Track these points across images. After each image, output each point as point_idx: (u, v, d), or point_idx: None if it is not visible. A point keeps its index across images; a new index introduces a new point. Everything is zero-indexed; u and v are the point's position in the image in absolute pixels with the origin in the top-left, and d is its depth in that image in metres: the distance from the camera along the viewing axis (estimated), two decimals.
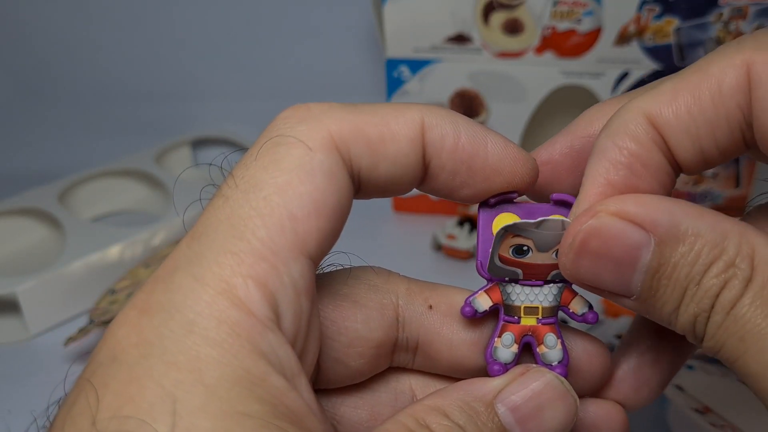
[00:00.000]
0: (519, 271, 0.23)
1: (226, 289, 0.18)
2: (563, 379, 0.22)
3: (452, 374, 0.24)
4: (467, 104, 0.63)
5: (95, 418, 0.16)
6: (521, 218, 0.23)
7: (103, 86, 0.84)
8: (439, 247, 0.62)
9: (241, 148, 0.78)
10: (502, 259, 0.23)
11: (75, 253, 0.57)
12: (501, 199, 0.23)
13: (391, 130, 0.21)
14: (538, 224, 0.22)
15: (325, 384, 0.23)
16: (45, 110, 0.85)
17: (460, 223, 0.62)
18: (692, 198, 0.63)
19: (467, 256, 0.61)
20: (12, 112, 0.85)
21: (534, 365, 0.23)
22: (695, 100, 0.21)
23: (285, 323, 0.19)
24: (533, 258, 0.23)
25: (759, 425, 0.36)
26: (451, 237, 0.61)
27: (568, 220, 0.22)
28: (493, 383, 0.22)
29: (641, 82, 0.59)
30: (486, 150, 0.22)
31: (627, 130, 0.22)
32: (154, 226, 0.61)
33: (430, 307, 0.24)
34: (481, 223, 0.24)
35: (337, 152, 0.20)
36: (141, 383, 0.17)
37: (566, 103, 0.67)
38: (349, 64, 0.80)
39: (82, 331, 0.49)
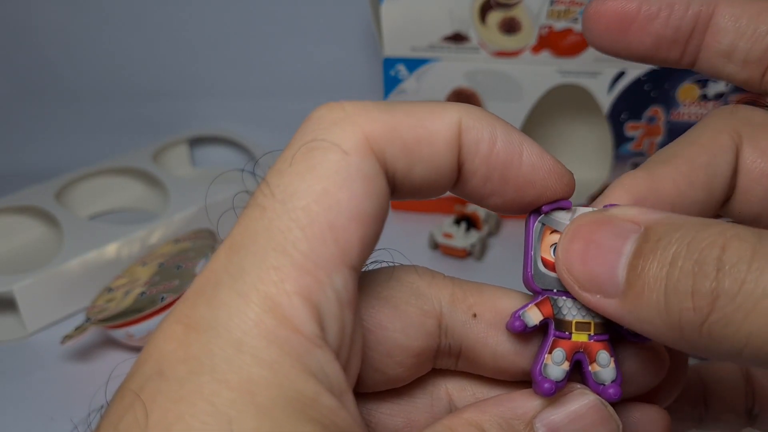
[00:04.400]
0: None
1: (272, 307, 0.17)
2: (607, 403, 0.21)
3: (496, 377, 0.23)
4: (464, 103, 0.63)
5: None
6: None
7: (101, 84, 0.84)
8: (436, 246, 0.62)
9: (239, 146, 0.78)
10: (546, 263, 0.22)
11: (72, 251, 0.57)
12: (554, 207, 0.22)
13: (428, 132, 0.20)
14: (572, 215, 0.22)
15: (363, 389, 0.23)
16: (42, 108, 0.84)
17: (457, 222, 0.62)
18: None
19: (464, 254, 0.61)
20: (9, 110, 0.85)
21: (578, 385, 0.22)
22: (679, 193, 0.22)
23: (330, 337, 0.18)
24: None
25: None
26: (447, 235, 0.61)
27: (600, 209, 0.22)
28: (535, 401, 0.21)
29: (637, 82, 0.59)
30: (521, 159, 0.21)
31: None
32: (151, 224, 0.61)
33: (474, 315, 0.23)
34: (529, 231, 0.22)
35: (373, 155, 0.19)
36: (191, 401, 0.16)
37: (563, 102, 0.67)
38: (346, 63, 0.80)
39: (79, 329, 0.49)
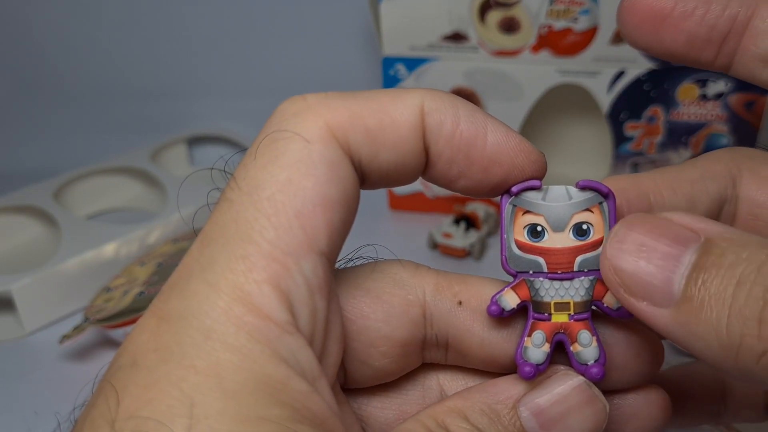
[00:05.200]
0: (541, 260, 0.22)
1: (241, 295, 0.18)
2: (591, 383, 0.21)
3: (487, 369, 0.23)
4: None
5: (114, 419, 0.16)
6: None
7: (99, 84, 0.84)
8: (435, 246, 0.62)
9: (237, 146, 0.78)
10: (519, 245, 0.22)
11: (70, 251, 0.56)
12: (523, 188, 0.22)
13: (391, 117, 0.20)
14: (544, 194, 0.22)
15: (354, 384, 0.23)
16: (40, 108, 0.84)
17: (456, 222, 0.62)
18: None
19: (463, 254, 0.61)
20: (7, 110, 0.84)
21: (562, 367, 0.22)
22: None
23: (301, 323, 0.19)
24: (551, 241, 0.22)
25: None
26: (447, 235, 0.61)
27: (572, 188, 0.22)
28: (519, 386, 0.21)
29: (637, 81, 0.59)
30: (485, 139, 0.21)
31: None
32: (149, 224, 0.61)
33: (460, 303, 0.22)
34: (503, 214, 0.22)
35: (336, 142, 0.20)
36: (160, 387, 0.17)
37: (562, 102, 0.67)
38: (345, 62, 0.80)
39: (77, 329, 0.49)
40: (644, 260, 0.19)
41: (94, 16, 0.82)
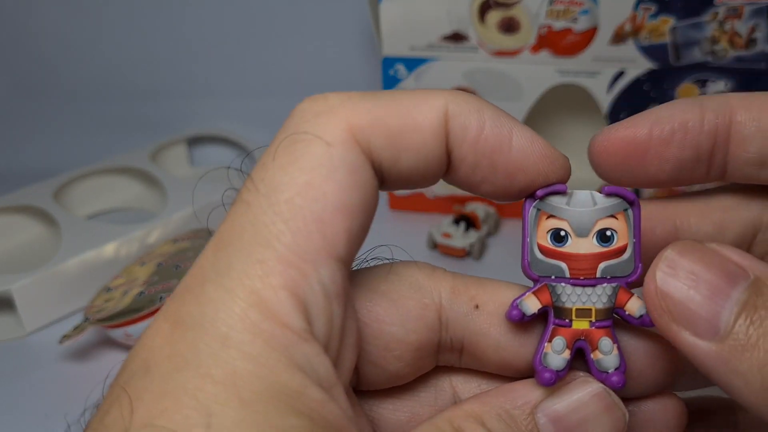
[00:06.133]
0: (563, 265, 0.21)
1: (257, 301, 0.17)
2: (611, 391, 0.21)
3: (501, 373, 0.23)
4: None
5: (128, 427, 0.16)
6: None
7: (99, 84, 0.84)
8: (434, 246, 0.62)
9: (237, 146, 0.78)
10: (542, 249, 0.22)
11: (70, 251, 0.56)
12: (548, 192, 0.22)
13: (414, 120, 0.20)
14: (569, 199, 0.21)
15: (366, 386, 0.22)
16: (40, 108, 0.84)
17: (456, 222, 0.62)
18: None
19: (463, 254, 0.61)
20: (8, 110, 0.84)
21: (581, 373, 0.21)
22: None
23: (317, 330, 0.18)
24: (575, 246, 0.21)
25: None
26: (446, 235, 0.61)
27: (597, 193, 0.21)
28: (537, 391, 0.21)
29: (637, 81, 0.59)
30: (510, 145, 0.21)
31: (702, 101, 0.22)
32: (149, 224, 0.61)
33: (477, 306, 0.22)
34: (526, 217, 0.22)
35: (357, 146, 0.19)
36: (175, 396, 0.16)
37: (562, 102, 0.67)
38: (345, 62, 0.80)
39: (78, 329, 0.49)
40: (693, 289, 0.19)
41: (94, 16, 0.82)
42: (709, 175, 0.23)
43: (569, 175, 0.22)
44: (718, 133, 0.22)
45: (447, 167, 0.21)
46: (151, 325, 0.18)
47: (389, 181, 0.21)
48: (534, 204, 0.22)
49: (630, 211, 0.22)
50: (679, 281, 0.19)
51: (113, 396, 0.17)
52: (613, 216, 0.22)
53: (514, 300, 0.21)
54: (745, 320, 0.18)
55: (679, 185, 0.23)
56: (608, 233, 0.22)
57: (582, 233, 0.22)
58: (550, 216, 0.22)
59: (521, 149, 0.21)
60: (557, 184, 0.22)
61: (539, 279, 0.22)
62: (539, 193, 0.22)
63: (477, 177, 0.21)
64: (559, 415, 0.20)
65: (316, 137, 0.19)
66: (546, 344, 0.21)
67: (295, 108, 0.20)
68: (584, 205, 0.22)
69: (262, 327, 0.17)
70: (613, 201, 0.22)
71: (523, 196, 0.22)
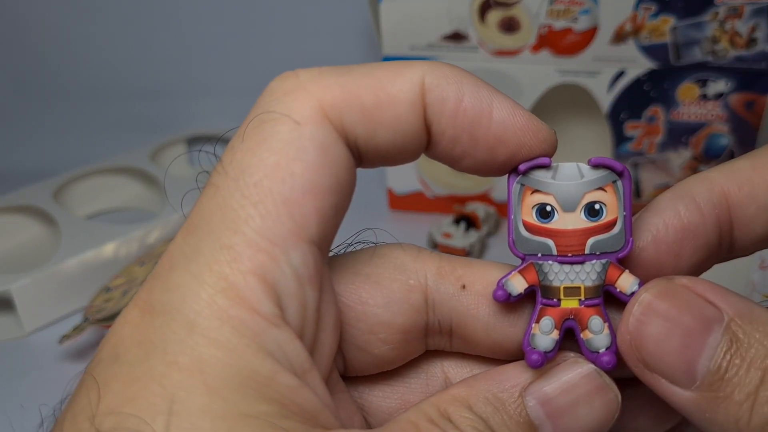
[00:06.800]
0: (550, 242, 0.21)
1: (225, 287, 0.17)
2: (602, 372, 0.20)
3: (493, 356, 0.22)
4: None
5: (94, 414, 0.16)
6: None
7: (99, 84, 0.84)
8: (435, 246, 0.62)
9: None
10: (528, 226, 0.21)
11: (70, 251, 0.56)
12: (532, 166, 0.21)
13: (388, 94, 0.19)
14: (554, 172, 0.21)
15: (354, 372, 0.22)
16: (40, 108, 0.84)
17: (456, 222, 0.62)
18: None
19: (463, 254, 0.61)
20: (7, 110, 0.84)
21: (571, 354, 0.21)
22: None
23: (289, 316, 0.18)
24: (561, 222, 0.21)
25: None
26: (447, 235, 0.61)
27: (584, 165, 0.21)
28: (526, 374, 0.20)
29: (637, 81, 0.59)
30: (490, 116, 0.20)
31: (693, 197, 0.20)
32: (149, 224, 0.61)
33: (464, 286, 0.21)
34: (510, 193, 0.21)
35: (328, 123, 0.18)
36: (142, 383, 0.16)
37: (562, 102, 0.67)
38: (345, 62, 0.80)
39: (77, 329, 0.49)
40: (668, 338, 0.18)
41: (94, 16, 0.82)
42: (720, 255, 0.22)
43: (555, 148, 0.21)
44: (721, 224, 0.21)
45: (427, 142, 0.20)
46: (123, 312, 0.18)
47: (367, 158, 0.20)
48: (518, 179, 0.21)
49: (619, 183, 0.21)
50: (654, 329, 0.19)
51: (82, 383, 0.17)
52: (601, 188, 0.21)
53: (500, 279, 0.21)
54: (720, 371, 0.18)
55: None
56: (597, 207, 0.21)
57: (569, 208, 0.21)
58: (535, 191, 0.21)
59: (502, 121, 0.20)
60: (541, 158, 0.21)
61: (525, 257, 0.21)
62: (522, 167, 0.21)
63: (457, 151, 0.20)
64: (549, 397, 0.20)
65: (284, 116, 0.18)
66: (533, 325, 0.20)
67: (266, 87, 0.19)
68: (570, 178, 0.21)
69: (230, 313, 0.17)
70: (601, 173, 0.21)
71: (507, 170, 0.21)
